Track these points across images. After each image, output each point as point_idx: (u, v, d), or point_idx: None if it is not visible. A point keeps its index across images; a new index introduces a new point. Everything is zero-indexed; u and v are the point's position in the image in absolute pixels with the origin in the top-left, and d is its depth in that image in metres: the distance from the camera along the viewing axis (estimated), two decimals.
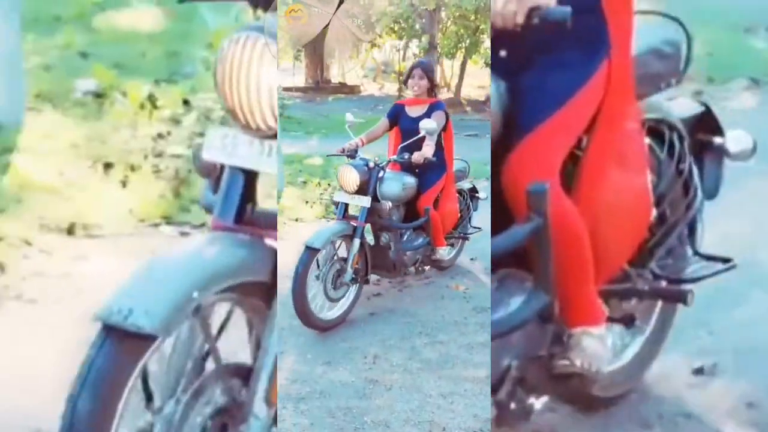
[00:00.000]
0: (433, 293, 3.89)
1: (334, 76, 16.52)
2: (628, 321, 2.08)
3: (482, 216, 4.21)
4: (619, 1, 1.81)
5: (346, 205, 3.51)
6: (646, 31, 2.07)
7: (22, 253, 3.61)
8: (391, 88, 13.93)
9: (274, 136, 1.55)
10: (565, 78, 1.77)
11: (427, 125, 3.53)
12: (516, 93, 1.80)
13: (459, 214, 4.20)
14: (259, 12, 1.71)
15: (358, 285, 3.47)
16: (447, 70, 15.94)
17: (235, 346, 1.68)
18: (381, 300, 3.79)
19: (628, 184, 1.93)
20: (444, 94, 15.59)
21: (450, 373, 2.86)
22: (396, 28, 14.24)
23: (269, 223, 1.61)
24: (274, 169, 1.57)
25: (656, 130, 2.14)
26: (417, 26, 13.65)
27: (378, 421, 2.47)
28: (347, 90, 16.57)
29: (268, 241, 1.58)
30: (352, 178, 3.44)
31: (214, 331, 1.55)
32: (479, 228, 4.36)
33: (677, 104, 2.29)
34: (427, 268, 4.03)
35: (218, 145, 1.59)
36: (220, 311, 1.59)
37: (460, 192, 4.31)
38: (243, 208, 1.60)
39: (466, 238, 4.37)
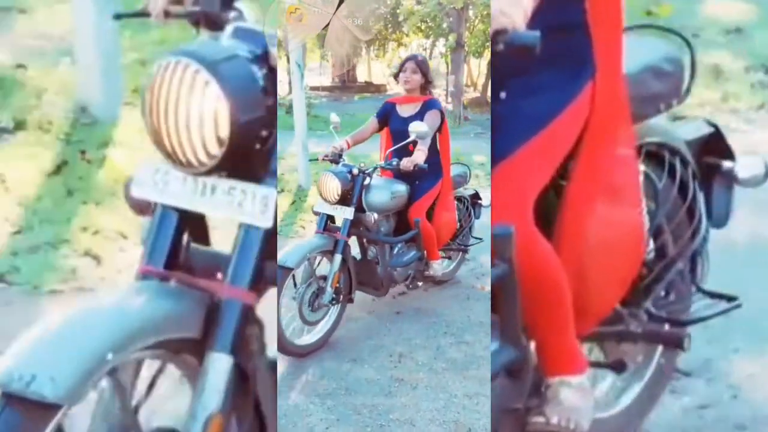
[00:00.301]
0: (458, 293, 3.86)
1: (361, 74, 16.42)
2: (618, 367, 1.87)
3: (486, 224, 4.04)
4: (606, 17, 1.62)
5: (329, 216, 3.20)
6: (643, 48, 1.88)
7: (118, 246, 3.67)
8: None
9: (209, 173, 1.39)
10: (538, 105, 1.58)
11: (418, 128, 3.14)
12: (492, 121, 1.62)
13: (458, 224, 3.91)
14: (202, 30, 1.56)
15: (340, 305, 3.16)
16: (474, 69, 15.71)
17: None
18: (406, 299, 3.75)
19: (618, 217, 1.73)
20: (470, 93, 15.41)
21: (476, 373, 2.85)
22: (423, 27, 14.09)
23: (208, 267, 1.46)
24: (209, 211, 1.42)
25: (656, 154, 1.93)
26: (444, 25, 13.47)
27: (403, 419, 2.49)
28: (373, 89, 16.52)
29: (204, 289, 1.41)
30: (332, 186, 3.11)
31: (143, 388, 1.40)
32: (480, 239, 4.11)
33: (682, 126, 2.08)
34: (420, 284, 3.74)
35: (149, 181, 1.44)
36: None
37: (459, 199, 4.02)
38: (176, 251, 1.45)
39: (465, 250, 4.09)
